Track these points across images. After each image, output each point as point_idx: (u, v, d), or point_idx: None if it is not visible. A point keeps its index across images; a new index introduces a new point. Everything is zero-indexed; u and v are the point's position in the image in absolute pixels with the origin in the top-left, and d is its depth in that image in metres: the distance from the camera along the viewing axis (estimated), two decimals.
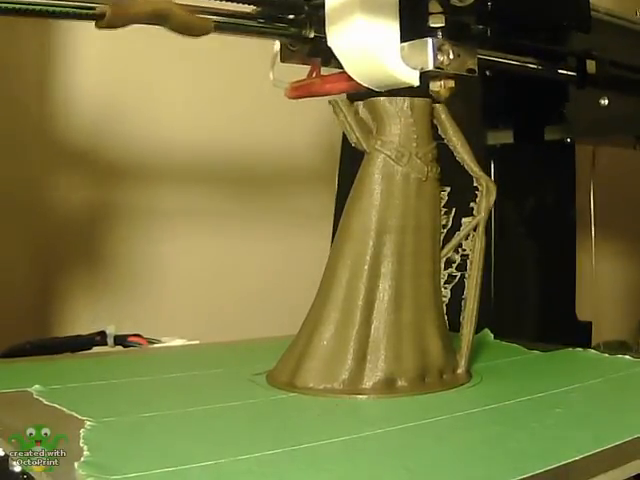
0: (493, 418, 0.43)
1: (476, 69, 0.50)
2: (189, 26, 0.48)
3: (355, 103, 0.51)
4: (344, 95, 0.53)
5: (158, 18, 0.47)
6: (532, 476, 0.33)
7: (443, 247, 0.52)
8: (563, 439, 0.38)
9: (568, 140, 0.77)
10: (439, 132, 0.53)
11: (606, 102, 0.69)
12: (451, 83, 0.50)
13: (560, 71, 0.66)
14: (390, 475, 0.34)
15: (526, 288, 0.77)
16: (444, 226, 0.52)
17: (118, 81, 0.88)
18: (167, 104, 0.91)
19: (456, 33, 0.48)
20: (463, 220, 0.52)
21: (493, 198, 0.52)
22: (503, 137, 0.77)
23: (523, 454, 0.36)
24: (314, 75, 0.55)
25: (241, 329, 0.96)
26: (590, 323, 0.83)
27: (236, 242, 0.98)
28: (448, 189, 0.52)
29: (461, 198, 0.63)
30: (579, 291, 0.83)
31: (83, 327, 0.77)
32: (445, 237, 0.52)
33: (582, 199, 0.85)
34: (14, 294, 0.82)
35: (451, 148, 0.53)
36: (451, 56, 0.47)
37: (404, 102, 0.50)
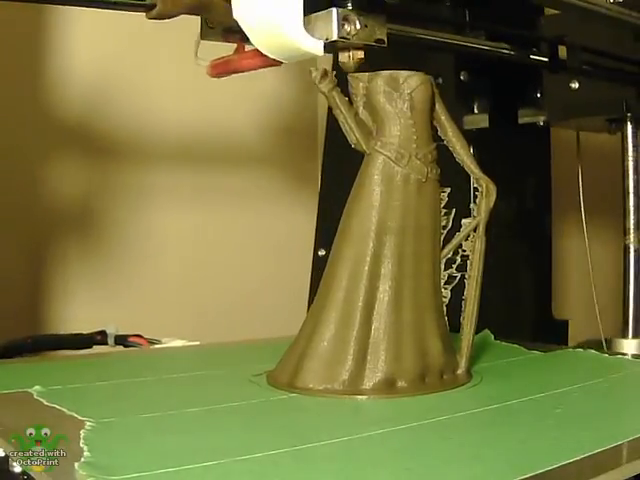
0: (493, 418, 0.43)
1: (385, 39, 0.48)
2: (228, 16, 0.48)
3: (355, 105, 0.51)
4: (340, 90, 0.52)
5: (202, 9, 0.49)
6: (532, 476, 0.33)
7: (443, 248, 0.52)
8: (563, 439, 0.38)
9: (541, 123, 0.78)
10: (439, 133, 0.53)
11: (576, 85, 0.70)
12: (360, 54, 0.49)
13: (532, 56, 0.67)
14: (391, 475, 0.34)
15: (503, 285, 0.77)
16: (444, 227, 0.52)
17: (112, 59, 0.88)
18: (160, 81, 0.91)
19: (366, 3, 0.47)
20: (463, 221, 0.52)
21: (493, 199, 0.52)
22: (479, 121, 0.77)
23: (523, 454, 0.36)
24: (238, 52, 0.55)
25: (240, 306, 0.97)
26: (567, 321, 0.83)
27: (233, 218, 0.99)
28: (448, 190, 0.52)
29: (461, 199, 0.63)
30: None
31: (78, 323, 0.77)
32: (445, 238, 0.52)
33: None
34: (8, 287, 0.82)
35: (451, 149, 0.53)
36: (358, 26, 0.47)
37: (404, 103, 0.50)
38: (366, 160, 0.51)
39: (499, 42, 0.65)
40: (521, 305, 0.81)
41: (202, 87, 0.87)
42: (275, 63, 0.50)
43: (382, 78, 0.50)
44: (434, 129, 0.52)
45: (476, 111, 0.78)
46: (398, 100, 0.50)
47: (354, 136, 0.50)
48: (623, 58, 0.69)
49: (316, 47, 0.47)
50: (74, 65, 0.86)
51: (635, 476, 0.35)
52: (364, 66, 0.51)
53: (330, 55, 0.50)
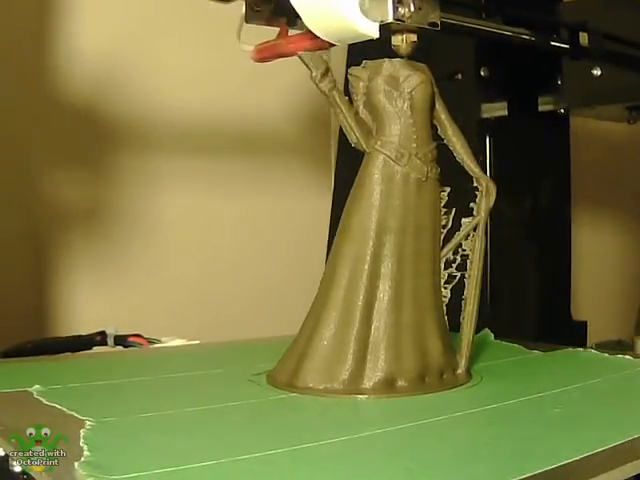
0: (493, 418, 0.43)
1: (439, 22, 0.49)
2: None
3: (355, 104, 0.51)
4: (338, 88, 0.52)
5: None
6: (532, 476, 0.33)
7: (443, 247, 0.52)
8: (563, 439, 0.38)
9: (561, 111, 0.78)
10: (439, 132, 0.53)
11: (599, 72, 0.69)
12: (413, 37, 0.49)
13: (553, 43, 0.67)
14: (391, 475, 0.34)
15: (521, 284, 0.77)
16: (444, 226, 0.52)
17: (119, 42, 0.88)
18: (167, 64, 0.91)
19: None
20: (463, 220, 0.52)
21: (493, 198, 0.52)
22: (497, 110, 0.77)
23: (523, 454, 0.36)
24: (282, 36, 0.55)
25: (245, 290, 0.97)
26: (585, 322, 0.83)
27: (239, 215, 0.99)
28: (448, 189, 0.52)
29: (461, 198, 0.63)
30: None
31: (80, 318, 0.76)
32: (445, 237, 0.52)
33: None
34: (8, 281, 0.82)
35: (451, 148, 0.53)
36: (412, 8, 0.47)
37: (404, 102, 0.50)
38: (366, 159, 0.51)
39: (519, 27, 0.64)
40: (538, 306, 0.81)
41: (209, 68, 0.87)
42: (323, 46, 0.50)
43: (382, 77, 0.50)
44: (434, 128, 0.52)
45: (494, 99, 0.77)
46: (398, 99, 0.50)
47: (354, 135, 0.50)
48: None
49: (371, 29, 0.48)
50: (81, 48, 0.86)
51: (635, 476, 0.35)
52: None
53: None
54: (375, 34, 0.48)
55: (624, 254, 1.16)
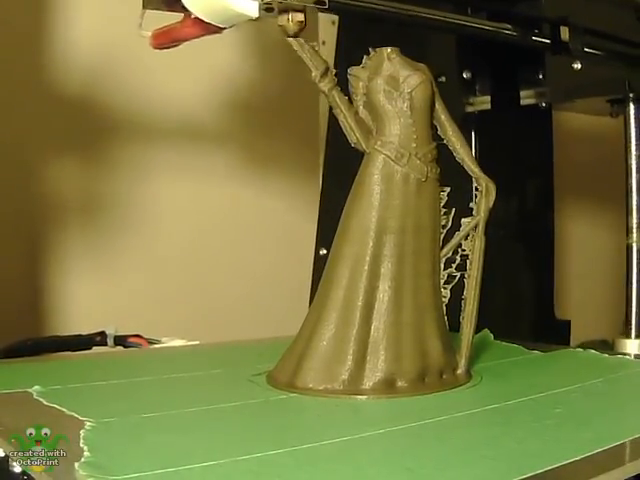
0: (493, 418, 0.43)
1: (326, 0, 0.47)
2: None
3: (355, 104, 0.51)
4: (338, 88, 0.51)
5: None
6: (532, 476, 0.33)
7: (443, 247, 0.52)
8: (563, 439, 0.38)
9: (543, 105, 0.78)
10: (439, 132, 0.53)
11: (579, 66, 0.69)
12: (299, 16, 0.47)
13: (535, 38, 0.66)
14: (391, 475, 0.34)
15: (503, 284, 0.77)
16: (444, 226, 0.52)
17: (113, 33, 0.87)
18: (161, 56, 0.90)
19: None
20: (463, 220, 0.52)
21: (493, 198, 0.52)
22: (481, 103, 0.77)
23: (523, 454, 0.36)
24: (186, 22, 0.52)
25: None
26: (569, 322, 0.83)
27: (234, 215, 0.99)
28: (448, 189, 0.52)
29: (461, 198, 0.63)
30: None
31: (77, 320, 0.76)
32: (445, 237, 0.52)
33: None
34: (6, 277, 0.81)
35: (451, 148, 0.53)
36: None
37: (404, 102, 0.50)
38: (366, 159, 0.51)
39: (500, 22, 0.64)
40: (522, 305, 0.81)
41: (203, 63, 0.87)
42: (216, 31, 0.49)
43: (382, 77, 0.50)
44: (434, 128, 0.52)
45: (478, 93, 0.77)
46: (398, 99, 0.50)
47: (354, 135, 0.50)
48: (626, 38, 0.68)
49: (251, 9, 0.46)
50: (76, 41, 0.86)
51: (635, 476, 0.35)
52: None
53: None
54: (254, 14, 0.46)
55: (609, 252, 1.16)
